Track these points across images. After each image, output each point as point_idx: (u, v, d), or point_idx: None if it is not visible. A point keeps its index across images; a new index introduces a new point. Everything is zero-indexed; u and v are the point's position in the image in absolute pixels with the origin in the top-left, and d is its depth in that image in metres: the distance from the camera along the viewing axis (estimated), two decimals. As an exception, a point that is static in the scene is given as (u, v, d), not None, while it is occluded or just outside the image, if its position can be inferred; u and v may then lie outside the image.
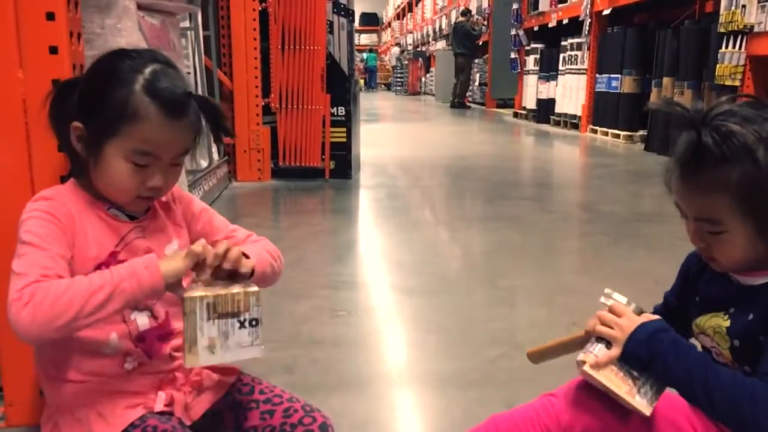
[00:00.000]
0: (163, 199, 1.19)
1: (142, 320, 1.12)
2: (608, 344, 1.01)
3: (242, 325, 0.99)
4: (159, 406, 1.11)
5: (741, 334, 0.99)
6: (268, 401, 1.21)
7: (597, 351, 1.01)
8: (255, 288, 1.01)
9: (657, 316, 1.03)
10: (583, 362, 1.01)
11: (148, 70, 1.04)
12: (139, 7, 2.07)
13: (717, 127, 0.93)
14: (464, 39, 13.25)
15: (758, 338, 0.96)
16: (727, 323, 1.01)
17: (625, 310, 1.03)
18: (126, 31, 1.78)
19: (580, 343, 1.07)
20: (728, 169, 0.92)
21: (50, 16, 1.29)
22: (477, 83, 14.81)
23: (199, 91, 3.76)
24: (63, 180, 1.29)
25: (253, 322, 0.99)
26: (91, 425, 1.07)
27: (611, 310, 1.04)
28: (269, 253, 1.17)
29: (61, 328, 0.93)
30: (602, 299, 1.07)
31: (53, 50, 1.28)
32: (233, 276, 1.03)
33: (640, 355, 0.99)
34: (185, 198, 1.23)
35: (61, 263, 0.99)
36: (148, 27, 2.25)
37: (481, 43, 13.96)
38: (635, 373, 1.00)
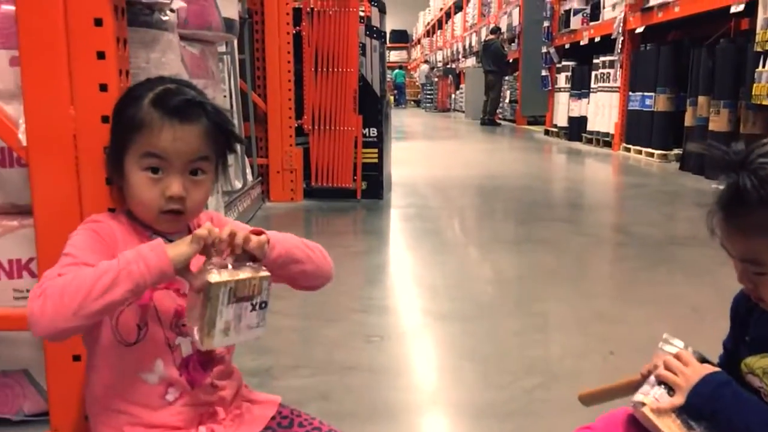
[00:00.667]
0: (204, 222, 1.21)
1: (185, 347, 1.14)
2: (670, 390, 1.01)
3: (253, 308, 1.01)
4: None
5: None
6: (308, 435, 1.22)
7: (658, 395, 1.00)
8: (266, 273, 1.02)
9: (718, 369, 1.03)
10: (643, 404, 1.00)
11: (159, 89, 1.10)
12: (180, 37, 2.13)
13: (755, 170, 0.92)
14: (494, 56, 13.33)
15: None
16: None
17: (691, 359, 1.02)
18: (169, 64, 1.84)
19: (634, 387, 1.07)
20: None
21: (101, 55, 1.34)
22: (507, 100, 14.78)
23: (235, 114, 3.83)
24: (111, 211, 1.34)
25: (263, 305, 1.02)
26: None
27: (678, 357, 1.03)
28: (304, 243, 1.16)
29: (72, 317, 0.94)
30: (661, 344, 1.07)
31: (103, 87, 1.33)
32: (242, 258, 1.04)
33: (702, 409, 0.98)
34: (218, 217, 1.26)
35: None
36: (189, 56, 2.31)
37: (511, 61, 13.96)
38: (692, 423, 0.99)
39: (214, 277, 0.98)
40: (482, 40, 15.09)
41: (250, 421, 1.20)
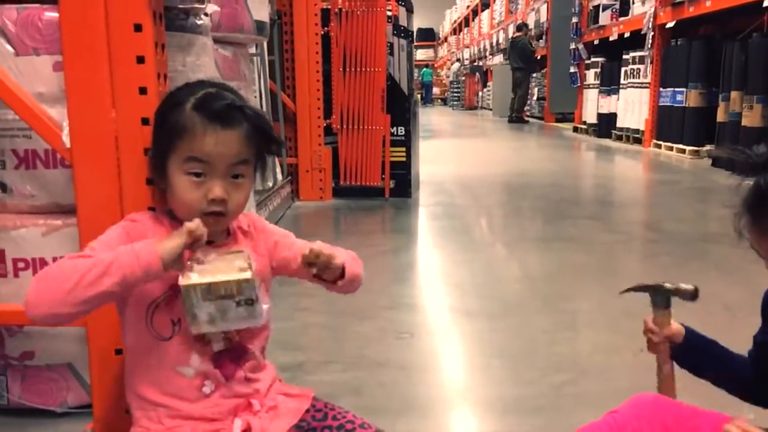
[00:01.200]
0: (244, 226, 1.25)
1: (217, 342, 1.17)
2: None
3: (238, 304, 1.05)
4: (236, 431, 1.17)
5: None
6: (341, 427, 1.25)
7: None
8: (246, 275, 1.05)
9: None
10: None
11: (201, 93, 1.13)
12: (213, 40, 2.18)
13: None
14: (522, 54, 13.26)
15: None
16: None
17: None
18: (204, 67, 1.89)
19: None
20: None
21: (140, 60, 1.38)
22: (535, 97, 14.68)
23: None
24: (152, 211, 1.39)
25: (249, 302, 1.05)
26: None
27: None
28: (353, 258, 1.24)
29: (61, 303, 0.98)
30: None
31: (143, 91, 1.38)
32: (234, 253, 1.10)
33: None
34: (266, 230, 1.29)
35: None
36: (221, 59, 2.36)
37: (539, 57, 13.87)
38: None
39: (185, 279, 1.03)
40: (509, 37, 15.00)
41: (285, 413, 1.23)
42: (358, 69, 4.53)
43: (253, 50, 3.76)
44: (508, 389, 1.80)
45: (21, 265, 1.50)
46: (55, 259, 1.52)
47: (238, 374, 1.19)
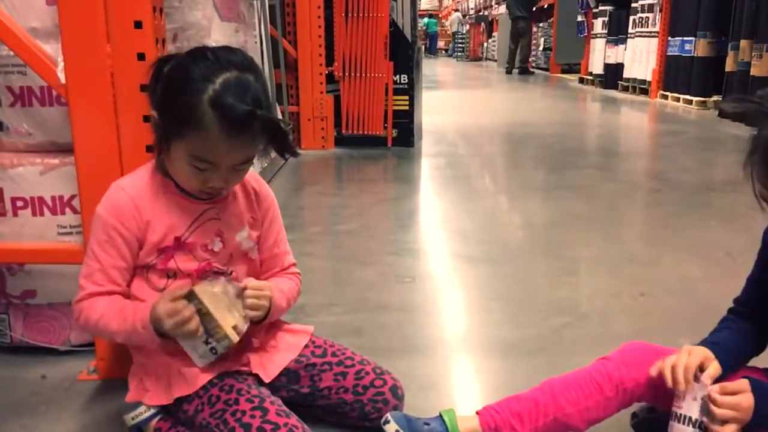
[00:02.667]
0: (248, 187, 1.24)
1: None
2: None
3: (206, 342, 1.11)
4: (236, 366, 1.18)
5: None
6: (341, 363, 1.27)
7: None
8: (234, 338, 1.11)
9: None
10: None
11: (219, 80, 1.04)
12: (211, -21, 2.12)
13: None
14: (525, 1, 13.03)
15: None
16: None
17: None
18: (201, 4, 1.84)
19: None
20: None
21: (135, -7, 1.35)
22: (541, 48, 14.42)
23: (265, 61, 3.83)
24: (149, 149, 1.37)
25: (214, 351, 1.12)
26: (171, 382, 1.15)
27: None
28: (291, 297, 1.28)
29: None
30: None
31: (138, 25, 1.34)
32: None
33: None
34: (268, 199, 1.28)
35: (113, 274, 1.14)
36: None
37: (545, 6, 13.57)
38: None
39: (200, 290, 1.11)
40: None
41: (284, 348, 1.25)
42: (361, 14, 4.43)
43: (252, -7, 3.67)
44: (507, 331, 1.81)
45: (20, 204, 1.50)
46: (53, 198, 1.52)
47: None
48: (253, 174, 1.28)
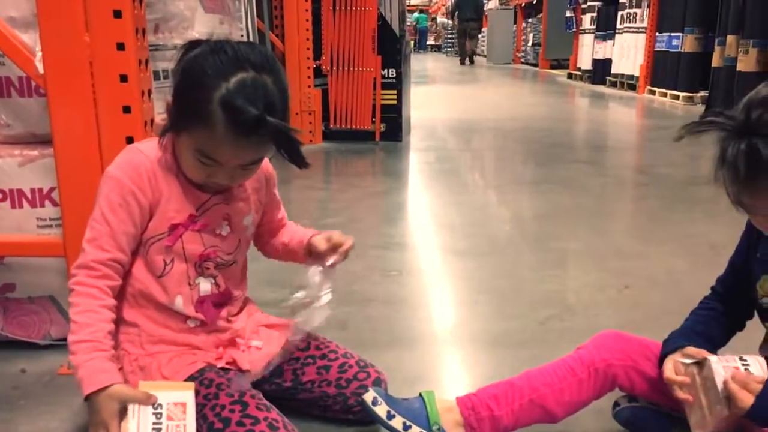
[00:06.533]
0: (260, 172, 1.20)
1: (204, 286, 1.17)
2: None
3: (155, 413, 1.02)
4: (220, 364, 1.17)
5: None
6: (324, 357, 1.26)
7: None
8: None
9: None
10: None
11: (234, 79, 1.01)
12: (195, -30, 2.09)
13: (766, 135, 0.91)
14: (476, 6, 15.39)
15: None
16: None
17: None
18: (184, -6, 1.82)
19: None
20: None
21: (113, -16, 1.33)
22: (530, 43, 14.46)
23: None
24: (129, 140, 1.35)
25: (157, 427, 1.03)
26: (152, 374, 1.13)
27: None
28: None
29: None
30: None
31: (117, 14, 1.33)
32: None
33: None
34: (274, 178, 1.28)
35: (122, 240, 1.08)
36: (204, -10, 2.27)
37: (535, 2, 13.67)
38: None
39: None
40: None
41: (267, 341, 1.24)
42: (349, 8, 4.41)
43: (239, -14, 3.64)
44: (494, 324, 1.81)
45: (-1, 195, 1.47)
46: (33, 191, 1.50)
47: (217, 317, 1.20)
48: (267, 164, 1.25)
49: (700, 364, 1.06)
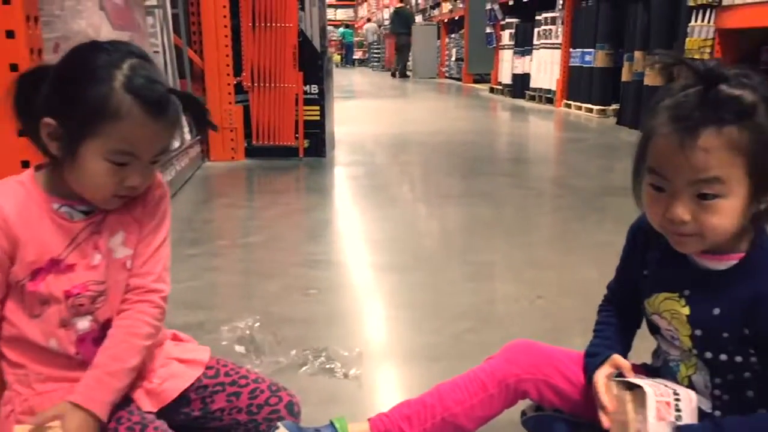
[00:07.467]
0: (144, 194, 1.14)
1: (82, 324, 1.11)
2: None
3: None
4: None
5: (705, 326, 1.00)
6: (234, 383, 1.23)
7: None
8: None
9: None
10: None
11: (126, 65, 1.00)
12: (102, -14, 2.04)
13: (738, 85, 0.89)
14: (407, 21, 16.62)
15: (742, 332, 0.96)
16: (687, 311, 1.01)
17: None
18: (87, 12, 1.77)
19: None
20: (746, 125, 0.88)
21: (6, 1, 1.28)
22: (454, 58, 14.79)
23: (169, 71, 3.73)
24: (25, 165, 1.29)
25: None
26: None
27: None
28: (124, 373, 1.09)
29: None
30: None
31: (10, 34, 1.28)
32: None
33: None
34: (163, 205, 1.17)
35: None
36: (112, 6, 2.22)
37: (457, 18, 14.04)
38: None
39: None
40: (394, 7, 17.96)
41: (174, 376, 1.19)
42: (269, 24, 4.40)
43: (153, 2, 3.57)
44: (411, 339, 1.83)
45: None
46: None
47: None
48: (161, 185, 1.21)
49: (632, 388, 1.05)
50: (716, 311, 0.99)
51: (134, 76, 1.00)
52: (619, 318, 1.21)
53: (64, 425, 0.99)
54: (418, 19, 18.22)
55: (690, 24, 5.26)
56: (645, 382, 1.04)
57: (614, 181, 3.99)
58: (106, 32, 1.97)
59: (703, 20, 5.13)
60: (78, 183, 1.05)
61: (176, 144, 3.84)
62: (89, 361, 1.10)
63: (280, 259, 2.55)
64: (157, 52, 3.38)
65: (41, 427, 1.01)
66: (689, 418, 0.99)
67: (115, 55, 1.01)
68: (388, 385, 1.62)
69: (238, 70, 4.52)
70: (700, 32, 5.15)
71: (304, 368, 1.62)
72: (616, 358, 1.11)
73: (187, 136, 4.08)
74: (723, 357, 1.00)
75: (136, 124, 0.99)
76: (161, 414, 1.15)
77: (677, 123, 0.91)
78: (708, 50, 5.04)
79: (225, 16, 4.40)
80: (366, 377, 1.61)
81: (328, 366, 1.62)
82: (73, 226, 1.09)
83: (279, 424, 1.16)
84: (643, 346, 1.20)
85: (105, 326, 1.13)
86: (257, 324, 1.81)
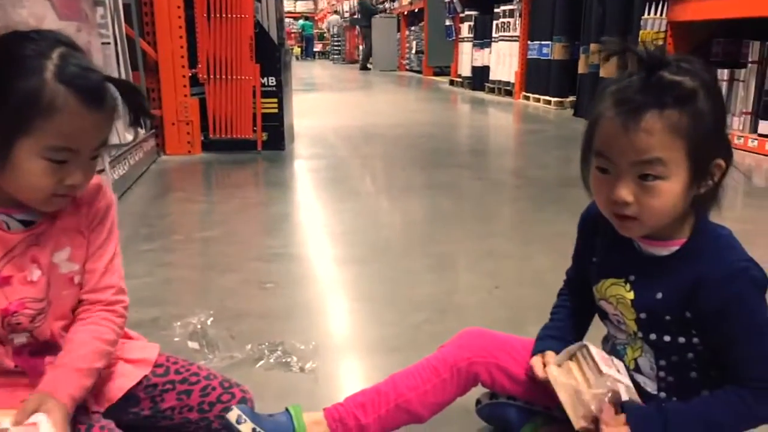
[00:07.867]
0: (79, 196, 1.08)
1: (19, 339, 1.06)
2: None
3: None
4: None
5: (649, 310, 1.02)
6: (185, 381, 1.20)
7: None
8: None
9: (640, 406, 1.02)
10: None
11: (55, 54, 0.94)
12: (45, -26, 1.97)
13: (681, 70, 0.92)
14: (369, 13, 16.78)
15: (683, 315, 0.99)
16: (631, 295, 1.03)
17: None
18: (29, 1, 1.70)
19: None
20: (686, 109, 0.91)
21: (-65, -14, 1.22)
22: (414, 51, 14.81)
23: (121, 63, 3.63)
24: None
25: None
26: None
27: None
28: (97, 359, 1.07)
29: None
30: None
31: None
32: None
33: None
34: (111, 216, 1.12)
35: None
36: (56, -5, 2.15)
37: (417, 10, 14.07)
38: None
39: None
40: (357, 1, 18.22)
41: (120, 375, 1.16)
42: (224, 15, 4.32)
43: (102, -9, 3.46)
44: (368, 331, 1.82)
45: None
46: None
47: (39, 367, 1.07)
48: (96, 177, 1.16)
49: (574, 355, 1.08)
50: (659, 295, 1.01)
51: (65, 65, 0.94)
52: (574, 302, 1.24)
53: (52, 416, 0.95)
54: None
55: (643, 17, 5.36)
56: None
57: (571, 172, 4.02)
58: (50, 22, 1.90)
59: (656, 13, 5.23)
60: (14, 185, 0.98)
61: (129, 138, 3.74)
62: (30, 373, 1.06)
63: (237, 253, 2.52)
64: (107, 43, 3.29)
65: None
66: (628, 380, 1.04)
67: (42, 44, 0.95)
68: (346, 378, 1.60)
69: (193, 62, 4.43)
70: (653, 25, 5.26)
71: (259, 363, 1.60)
72: (549, 354, 1.13)
73: (141, 130, 3.98)
74: (666, 338, 1.03)
75: (72, 117, 0.93)
76: (109, 413, 1.12)
77: (621, 106, 0.93)
78: (660, 43, 5.14)
79: (179, 6, 4.31)
80: (323, 370, 1.60)
81: (284, 360, 1.60)
82: (10, 237, 1.02)
83: (233, 406, 1.14)
84: (598, 333, 1.21)
85: (47, 341, 1.08)
86: (210, 319, 1.78)
